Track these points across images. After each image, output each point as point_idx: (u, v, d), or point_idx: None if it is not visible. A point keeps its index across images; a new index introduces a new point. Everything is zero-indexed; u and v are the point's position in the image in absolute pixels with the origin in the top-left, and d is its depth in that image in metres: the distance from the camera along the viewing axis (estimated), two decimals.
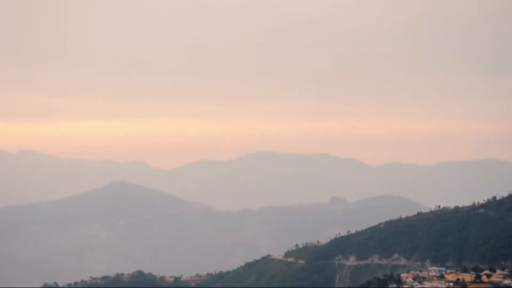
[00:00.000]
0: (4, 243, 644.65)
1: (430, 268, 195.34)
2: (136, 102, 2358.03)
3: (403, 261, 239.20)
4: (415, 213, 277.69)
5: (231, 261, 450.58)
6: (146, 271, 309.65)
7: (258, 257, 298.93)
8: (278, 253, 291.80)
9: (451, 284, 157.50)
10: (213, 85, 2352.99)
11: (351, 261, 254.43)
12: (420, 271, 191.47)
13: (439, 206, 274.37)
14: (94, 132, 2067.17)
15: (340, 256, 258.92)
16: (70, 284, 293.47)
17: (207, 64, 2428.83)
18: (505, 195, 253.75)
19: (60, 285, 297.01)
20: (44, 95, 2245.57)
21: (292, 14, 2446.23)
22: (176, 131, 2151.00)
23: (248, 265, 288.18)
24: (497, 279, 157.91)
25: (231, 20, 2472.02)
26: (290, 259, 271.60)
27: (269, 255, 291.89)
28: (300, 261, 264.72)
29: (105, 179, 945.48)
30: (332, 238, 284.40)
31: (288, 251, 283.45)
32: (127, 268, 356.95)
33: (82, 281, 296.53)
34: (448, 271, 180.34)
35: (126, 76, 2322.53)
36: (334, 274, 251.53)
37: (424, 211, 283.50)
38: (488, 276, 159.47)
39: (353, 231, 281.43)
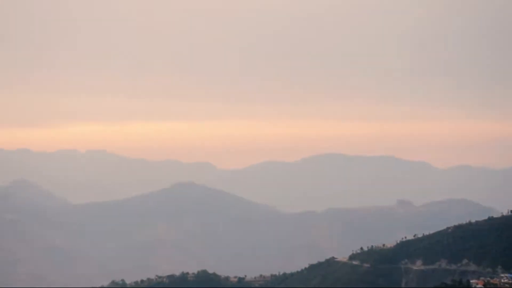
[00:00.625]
0: (73, 241, 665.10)
1: (502, 275, 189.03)
2: (202, 104, 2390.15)
3: (472, 267, 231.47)
4: (486, 217, 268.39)
5: (295, 262, 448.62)
6: (210, 271, 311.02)
7: (322, 259, 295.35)
8: (342, 256, 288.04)
9: None
10: (278, 87, 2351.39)
11: (418, 265, 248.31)
12: (491, 277, 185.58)
13: (511, 211, 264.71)
14: (162, 133, 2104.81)
15: (406, 260, 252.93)
16: (137, 282, 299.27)
17: (275, 65, 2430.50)
18: None
19: (127, 282, 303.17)
20: (113, 96, 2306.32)
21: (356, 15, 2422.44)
22: (241, 132, 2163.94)
23: (312, 267, 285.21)
24: None
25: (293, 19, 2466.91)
26: (355, 262, 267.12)
27: (333, 258, 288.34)
28: (365, 265, 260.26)
29: (172, 179, 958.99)
30: (398, 242, 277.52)
31: (353, 254, 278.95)
32: (192, 268, 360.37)
33: (148, 279, 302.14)
34: None
35: (192, 78, 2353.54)
36: (400, 278, 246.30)
37: (495, 215, 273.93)
38: None
39: (420, 235, 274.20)
